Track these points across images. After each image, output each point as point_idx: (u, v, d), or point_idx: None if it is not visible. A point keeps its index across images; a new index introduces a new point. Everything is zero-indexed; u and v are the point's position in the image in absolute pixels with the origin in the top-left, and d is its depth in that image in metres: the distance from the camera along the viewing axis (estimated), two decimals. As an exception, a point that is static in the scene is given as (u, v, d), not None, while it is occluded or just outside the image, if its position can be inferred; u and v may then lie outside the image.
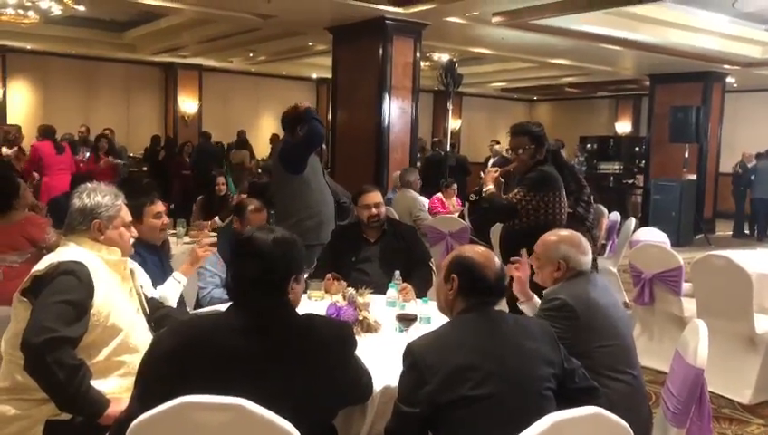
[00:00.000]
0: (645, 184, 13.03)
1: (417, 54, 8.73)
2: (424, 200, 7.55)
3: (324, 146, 9.78)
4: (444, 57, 11.15)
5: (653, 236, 5.84)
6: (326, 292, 3.43)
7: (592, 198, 4.62)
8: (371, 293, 3.13)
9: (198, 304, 3.57)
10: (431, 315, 2.86)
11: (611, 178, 14.70)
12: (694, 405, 2.31)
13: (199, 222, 6.46)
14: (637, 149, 15.56)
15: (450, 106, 10.15)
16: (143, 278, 2.94)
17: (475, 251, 2.26)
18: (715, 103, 12.37)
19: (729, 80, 12.70)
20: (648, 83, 13.33)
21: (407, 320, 2.75)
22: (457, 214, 7.75)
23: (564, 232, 2.81)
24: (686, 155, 11.16)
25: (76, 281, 2.22)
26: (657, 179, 11.71)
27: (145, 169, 12.73)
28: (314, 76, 16.40)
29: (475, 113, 19.08)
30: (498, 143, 14.39)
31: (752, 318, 4.17)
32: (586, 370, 2.20)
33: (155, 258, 3.29)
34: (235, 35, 11.34)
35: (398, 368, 2.07)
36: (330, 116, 9.81)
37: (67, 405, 2.15)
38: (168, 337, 1.91)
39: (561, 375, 2.07)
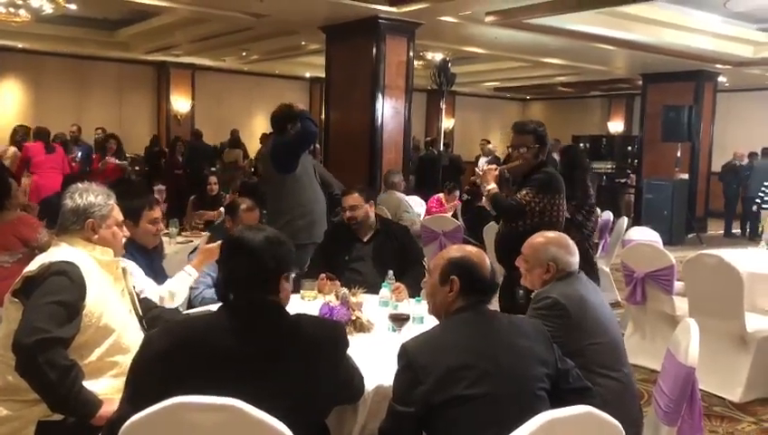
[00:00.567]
0: (637, 183, 13.07)
1: (411, 54, 8.73)
2: (413, 201, 7.56)
3: (318, 145, 9.80)
4: (437, 56, 11.16)
5: (645, 235, 5.86)
6: (319, 291, 3.43)
7: (595, 206, 4.60)
8: (364, 292, 3.13)
9: (190, 305, 3.57)
10: (424, 315, 2.86)
11: (604, 177, 14.72)
12: (685, 403, 2.32)
13: (202, 211, 6.64)
14: (629, 148, 15.60)
15: (443, 105, 10.16)
16: (143, 280, 2.94)
17: (470, 251, 2.27)
18: (706, 103, 12.42)
19: (721, 79, 12.76)
20: (640, 83, 13.39)
21: (399, 320, 2.76)
22: (451, 213, 7.76)
23: (551, 234, 2.83)
24: (679, 154, 11.20)
25: (68, 281, 2.22)
26: (649, 179, 11.75)
27: (147, 168, 12.64)
28: (307, 75, 16.38)
29: (468, 113, 19.11)
30: (489, 143, 14.43)
31: (743, 317, 4.19)
32: (578, 368, 2.21)
33: (145, 259, 3.28)
34: (228, 34, 11.32)
35: (390, 367, 2.07)
36: (323, 115, 9.80)
37: (59, 406, 2.14)
38: (160, 337, 1.90)
39: (554, 375, 2.08)
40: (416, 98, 10.24)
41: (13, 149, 9.54)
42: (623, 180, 14.75)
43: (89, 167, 9.92)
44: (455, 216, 7.62)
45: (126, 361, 2.20)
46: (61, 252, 2.34)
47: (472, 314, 2.14)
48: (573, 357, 2.25)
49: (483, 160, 12.66)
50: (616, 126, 18.34)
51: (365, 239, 3.98)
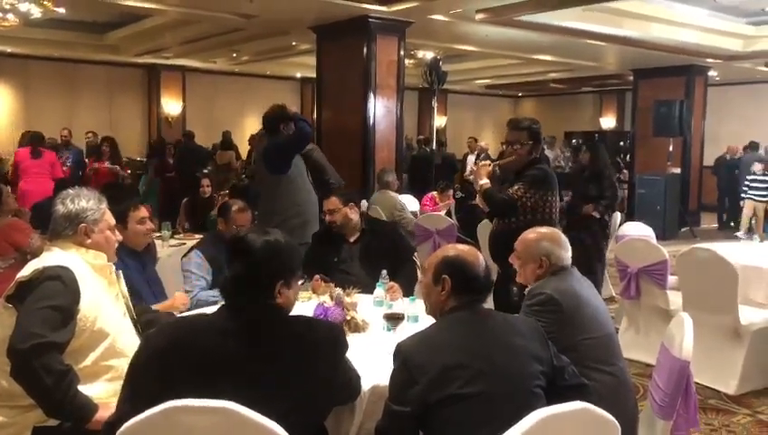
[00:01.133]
0: (630, 178, 13.11)
1: (402, 52, 8.73)
2: (407, 199, 7.55)
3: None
4: (428, 55, 11.16)
5: (639, 230, 5.88)
6: (313, 292, 3.43)
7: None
8: (359, 292, 3.13)
9: (186, 307, 3.56)
10: (419, 314, 2.86)
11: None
12: (680, 397, 2.33)
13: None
14: (621, 143, 15.65)
15: (435, 104, 10.17)
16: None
17: (463, 250, 2.28)
18: (697, 97, 12.47)
19: (711, 73, 12.80)
20: (631, 78, 13.42)
21: (394, 319, 2.76)
22: (444, 211, 7.76)
23: (543, 229, 2.84)
24: (671, 149, 11.24)
25: (62, 286, 2.21)
26: (641, 174, 11.80)
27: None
28: (298, 76, 16.35)
29: (460, 110, 19.10)
30: (477, 141, 14.39)
31: (736, 310, 4.21)
32: (573, 363, 2.21)
33: (137, 264, 3.27)
34: (219, 36, 11.30)
35: (386, 367, 2.08)
36: (315, 115, 9.79)
37: (54, 411, 2.14)
38: (157, 337, 1.90)
39: (550, 373, 2.09)
40: (407, 96, 10.24)
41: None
42: (616, 176, 14.75)
43: (81, 171, 9.85)
44: (448, 214, 7.62)
45: (121, 364, 2.20)
46: (54, 257, 2.34)
47: (466, 313, 2.14)
48: (567, 352, 2.25)
49: (471, 158, 12.66)
50: (608, 122, 18.39)
51: (351, 240, 4.01)
